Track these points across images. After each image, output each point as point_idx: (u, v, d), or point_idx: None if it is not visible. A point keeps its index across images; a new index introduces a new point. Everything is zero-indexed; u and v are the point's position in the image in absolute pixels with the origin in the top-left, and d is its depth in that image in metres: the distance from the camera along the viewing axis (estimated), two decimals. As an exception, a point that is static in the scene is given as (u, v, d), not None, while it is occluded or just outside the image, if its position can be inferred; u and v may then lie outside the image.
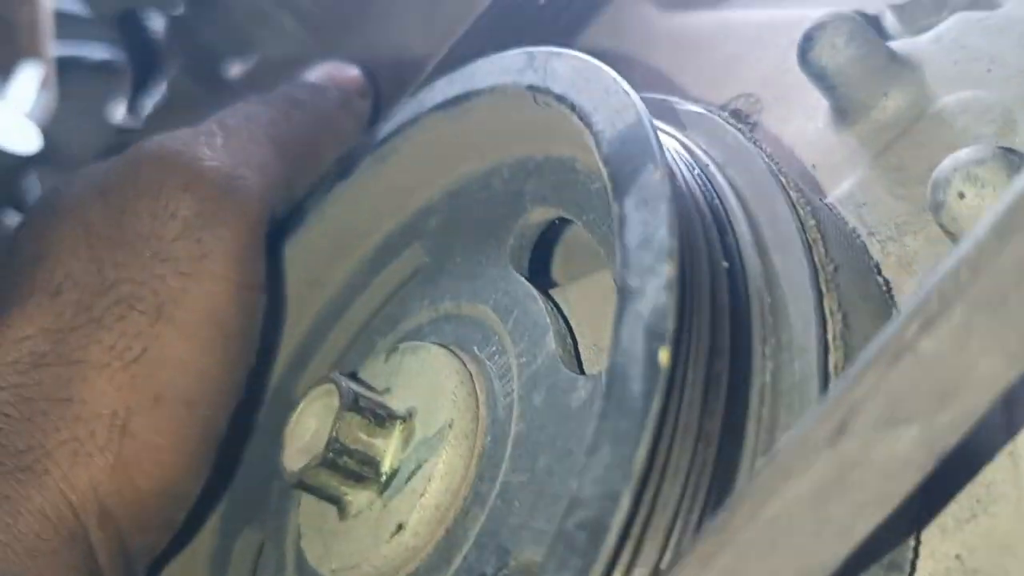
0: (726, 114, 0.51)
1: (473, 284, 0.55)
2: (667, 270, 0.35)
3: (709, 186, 0.44)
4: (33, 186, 1.57)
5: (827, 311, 0.40)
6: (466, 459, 0.48)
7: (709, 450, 0.36)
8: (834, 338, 0.39)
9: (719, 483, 0.36)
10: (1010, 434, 0.38)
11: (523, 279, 0.52)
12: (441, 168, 0.60)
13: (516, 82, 0.51)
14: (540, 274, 0.56)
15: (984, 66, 0.48)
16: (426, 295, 0.59)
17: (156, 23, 1.23)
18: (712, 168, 0.46)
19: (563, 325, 0.49)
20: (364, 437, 0.50)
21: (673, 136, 0.49)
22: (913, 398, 0.29)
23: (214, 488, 0.63)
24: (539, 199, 0.54)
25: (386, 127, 0.61)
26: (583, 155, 0.51)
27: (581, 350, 0.49)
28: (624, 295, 0.37)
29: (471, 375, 0.51)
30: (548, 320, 0.49)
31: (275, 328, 0.65)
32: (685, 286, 0.36)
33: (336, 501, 0.52)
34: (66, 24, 1.55)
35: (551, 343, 0.48)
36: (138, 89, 1.29)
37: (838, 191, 0.50)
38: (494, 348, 0.52)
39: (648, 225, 0.38)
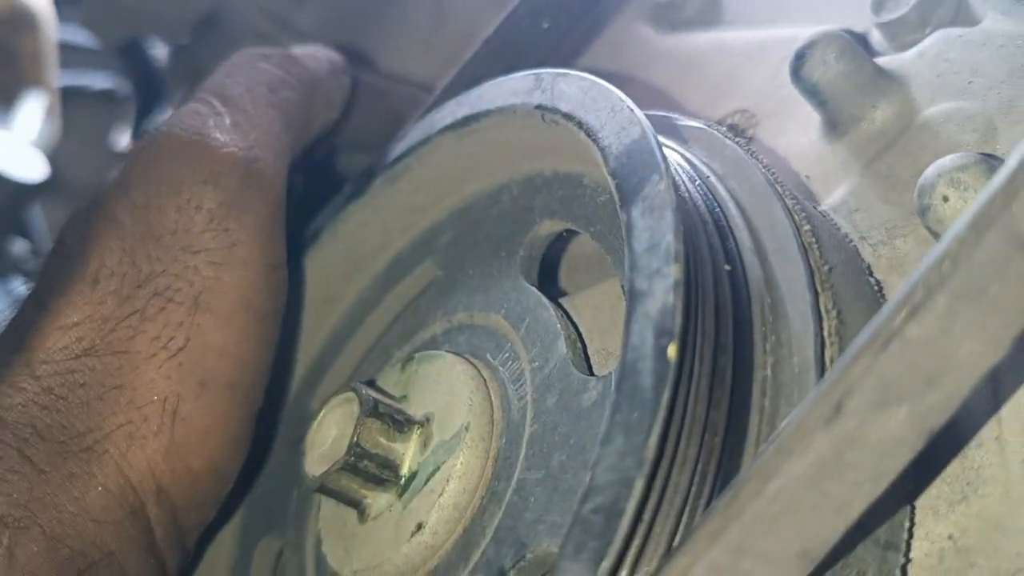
0: (724, 128, 0.53)
1: (485, 295, 0.58)
2: (673, 272, 0.38)
3: (710, 196, 0.47)
4: (38, 213, 1.60)
5: (823, 309, 0.42)
6: (482, 460, 0.50)
7: (715, 439, 0.38)
8: (830, 334, 0.42)
9: (725, 469, 0.38)
10: (997, 419, 0.41)
11: (534, 288, 0.55)
12: (452, 186, 0.63)
13: (525, 102, 0.53)
14: (549, 284, 0.58)
15: (965, 78, 0.50)
16: (439, 307, 0.61)
17: (159, 51, 1.26)
18: (713, 179, 0.49)
19: (573, 331, 0.52)
20: (384, 442, 0.53)
21: (675, 150, 0.51)
22: (902, 381, 0.31)
23: (234, 498, 0.65)
24: (548, 212, 0.56)
25: (398, 147, 0.64)
26: (590, 170, 0.54)
27: (590, 354, 0.52)
28: (633, 297, 0.39)
29: (485, 381, 0.53)
30: (559, 326, 0.51)
31: (292, 343, 0.67)
32: (690, 287, 0.39)
33: (356, 504, 0.54)
34: (70, 54, 1.58)
35: (562, 347, 0.50)
36: (142, 117, 1.32)
37: (831, 199, 0.53)
38: (507, 355, 0.54)
39: (654, 231, 0.40)
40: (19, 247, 1.53)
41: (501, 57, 0.68)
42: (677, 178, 0.45)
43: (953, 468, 0.42)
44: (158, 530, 0.55)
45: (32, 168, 1.49)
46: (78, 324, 0.54)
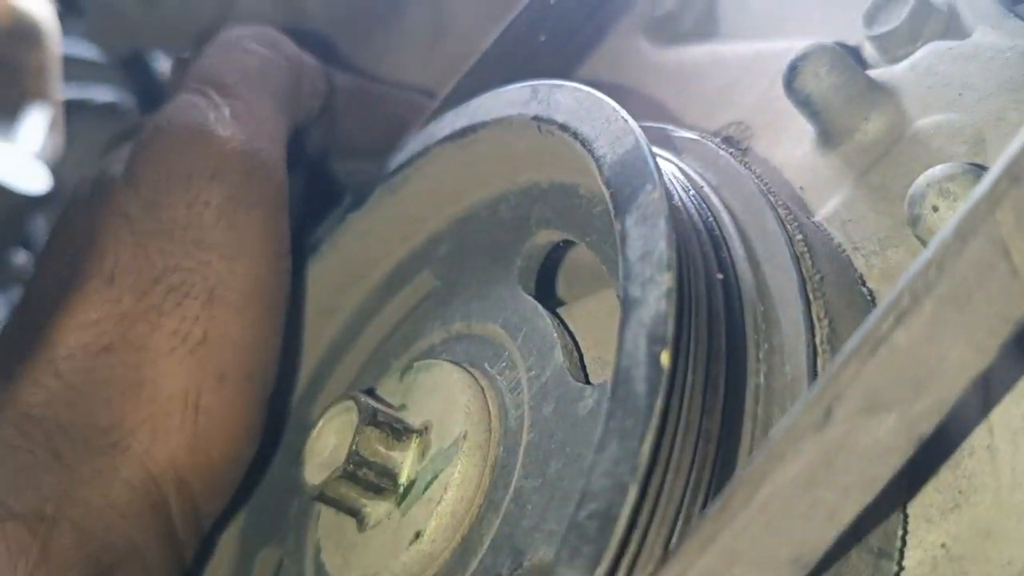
0: (718, 140, 0.54)
1: (483, 304, 0.58)
2: (666, 280, 0.38)
3: (704, 205, 0.48)
4: (40, 225, 1.61)
5: (815, 318, 0.43)
6: (480, 468, 0.51)
7: (709, 446, 0.39)
8: (822, 342, 0.42)
9: (719, 476, 0.39)
10: (988, 427, 0.41)
11: (530, 298, 0.55)
12: (450, 197, 0.64)
13: (521, 113, 0.54)
14: (546, 294, 0.59)
15: (955, 91, 0.51)
16: (438, 317, 0.62)
17: (162, 65, 1.27)
18: (706, 189, 0.49)
19: (569, 340, 0.52)
20: (383, 450, 0.53)
21: (669, 160, 0.52)
22: (891, 387, 0.32)
23: (234, 508, 0.65)
24: (544, 222, 0.57)
25: (397, 159, 0.65)
26: (585, 180, 0.54)
27: (586, 363, 0.52)
28: (627, 304, 0.40)
29: (483, 389, 0.54)
30: (555, 335, 0.52)
31: (292, 353, 0.68)
32: (683, 295, 0.39)
33: (355, 513, 0.55)
34: (73, 67, 1.59)
35: (559, 356, 0.51)
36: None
37: (825, 210, 0.53)
38: (504, 364, 0.54)
39: (648, 240, 0.41)
40: (21, 258, 1.53)
41: (499, 69, 0.68)
42: (670, 187, 0.45)
43: (945, 476, 0.42)
44: (178, 521, 0.56)
45: (35, 180, 1.50)
46: (97, 321, 0.55)
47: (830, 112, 0.54)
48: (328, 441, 0.55)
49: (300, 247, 0.66)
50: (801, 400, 0.33)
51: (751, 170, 0.51)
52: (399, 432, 0.53)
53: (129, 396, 0.54)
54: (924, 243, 0.45)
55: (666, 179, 0.44)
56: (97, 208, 0.59)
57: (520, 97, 0.55)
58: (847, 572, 0.39)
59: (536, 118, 0.53)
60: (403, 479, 0.53)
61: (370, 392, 0.57)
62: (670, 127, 0.56)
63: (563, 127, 0.51)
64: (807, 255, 0.45)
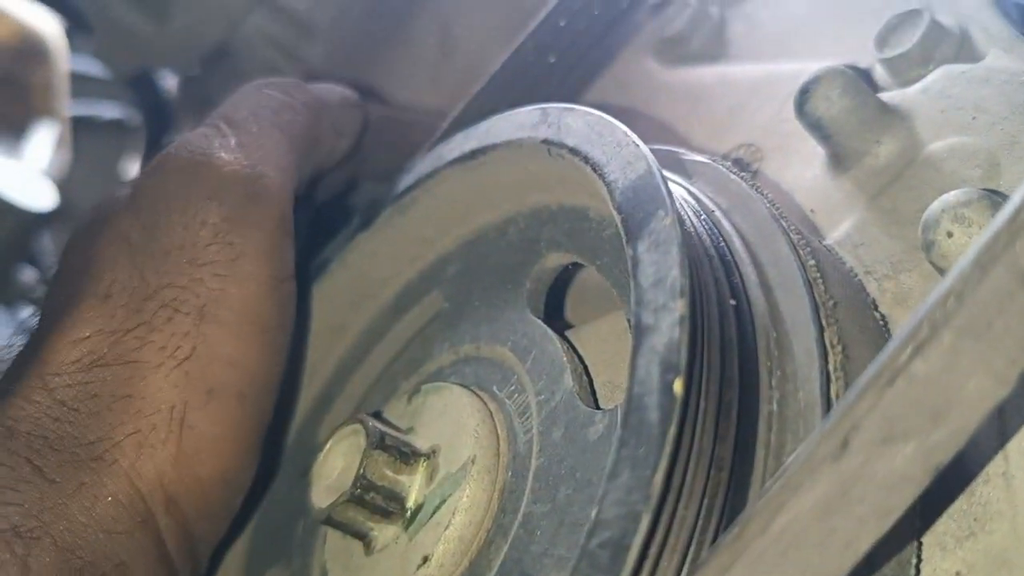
0: (729, 163, 0.54)
1: (492, 327, 0.58)
2: (679, 307, 0.38)
3: (716, 231, 0.47)
4: (47, 242, 1.61)
5: (828, 344, 0.42)
6: (489, 493, 0.50)
7: (722, 474, 0.38)
8: (835, 369, 0.42)
9: (731, 504, 0.38)
10: (1004, 455, 0.41)
11: (540, 321, 0.55)
12: (459, 218, 0.63)
13: (531, 136, 0.54)
14: (555, 316, 0.59)
15: (969, 114, 0.51)
16: (446, 339, 0.61)
17: (169, 83, 1.27)
18: (718, 214, 0.49)
19: (579, 364, 0.52)
20: (390, 474, 0.53)
21: (681, 185, 0.52)
22: (908, 417, 0.31)
23: (240, 528, 0.65)
24: (554, 245, 0.57)
25: (406, 179, 0.65)
26: (595, 204, 0.54)
27: (596, 387, 0.52)
28: (639, 331, 0.39)
29: (492, 413, 0.54)
30: (565, 359, 0.51)
31: (299, 372, 0.68)
32: (696, 322, 0.39)
33: (362, 536, 0.54)
34: (80, 84, 1.60)
35: (568, 381, 0.50)
36: (151, 147, 1.33)
37: (836, 233, 0.53)
38: (513, 387, 0.54)
39: (660, 266, 0.40)
40: (28, 275, 1.54)
41: (509, 91, 0.68)
42: (682, 213, 0.45)
43: (960, 504, 0.42)
44: (169, 540, 0.55)
45: (42, 197, 1.50)
46: (89, 337, 0.55)
47: (841, 135, 0.54)
48: (335, 464, 0.55)
49: (305, 273, 0.66)
50: (818, 430, 0.32)
51: (762, 194, 0.50)
52: (407, 456, 0.53)
53: (116, 410, 0.54)
54: (938, 268, 0.45)
55: (678, 204, 0.44)
56: (100, 232, 0.59)
57: (530, 120, 0.55)
58: (862, 602, 0.39)
59: (546, 141, 0.53)
60: (411, 503, 0.53)
61: (378, 415, 0.57)
62: (680, 150, 0.56)
63: (573, 151, 0.51)
64: (820, 280, 0.45)
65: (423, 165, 0.63)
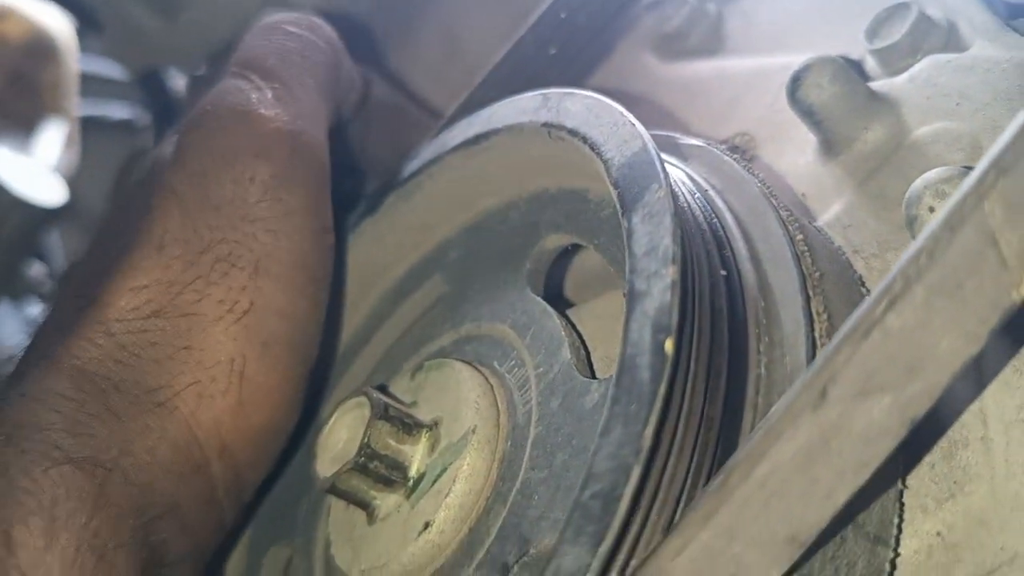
0: (724, 147, 0.55)
1: (492, 306, 0.60)
2: (671, 272, 0.40)
3: (708, 207, 0.49)
4: (55, 238, 1.63)
5: (814, 312, 0.44)
6: (488, 461, 0.52)
7: (711, 432, 0.40)
8: (821, 335, 0.44)
9: (720, 461, 0.40)
10: (983, 419, 0.42)
11: (539, 299, 0.57)
12: (462, 203, 0.65)
13: (532, 120, 0.56)
14: (555, 296, 0.60)
15: (953, 101, 0.53)
16: (448, 319, 0.63)
17: (178, 83, 1.29)
18: (711, 192, 0.51)
19: (576, 338, 0.53)
20: (393, 443, 0.54)
21: (676, 165, 0.54)
22: (884, 370, 0.33)
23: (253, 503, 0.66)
24: (553, 227, 0.59)
25: (410, 166, 0.66)
26: (594, 185, 0.56)
27: (593, 361, 0.53)
28: (632, 297, 0.41)
29: (492, 387, 0.55)
30: (563, 333, 0.53)
31: (338, 320, 0.69)
32: (687, 288, 0.41)
33: (365, 506, 0.56)
34: (90, 84, 1.62)
35: (566, 353, 0.52)
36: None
37: (826, 215, 0.55)
38: (513, 362, 0.56)
39: (653, 236, 0.42)
40: (36, 270, 1.55)
41: (510, 81, 0.70)
42: (676, 189, 0.47)
43: (941, 467, 0.43)
44: (220, 485, 0.57)
45: (51, 193, 1.52)
46: (147, 287, 0.57)
47: (832, 121, 0.56)
48: (340, 435, 0.56)
49: (341, 226, 0.67)
50: (798, 381, 0.34)
51: (754, 174, 0.52)
52: (409, 426, 0.55)
53: (177, 360, 0.56)
54: (921, 244, 0.46)
55: (672, 181, 0.46)
56: (148, 186, 0.61)
57: (531, 105, 0.57)
58: (844, 556, 0.40)
59: (546, 124, 0.55)
60: (413, 472, 0.54)
61: (382, 388, 0.58)
62: (677, 135, 0.58)
63: (572, 132, 0.52)
64: (807, 254, 0.46)
65: (427, 151, 0.65)
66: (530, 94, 0.58)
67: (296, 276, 0.59)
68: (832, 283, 0.46)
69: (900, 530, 0.43)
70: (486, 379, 0.56)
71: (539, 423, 0.51)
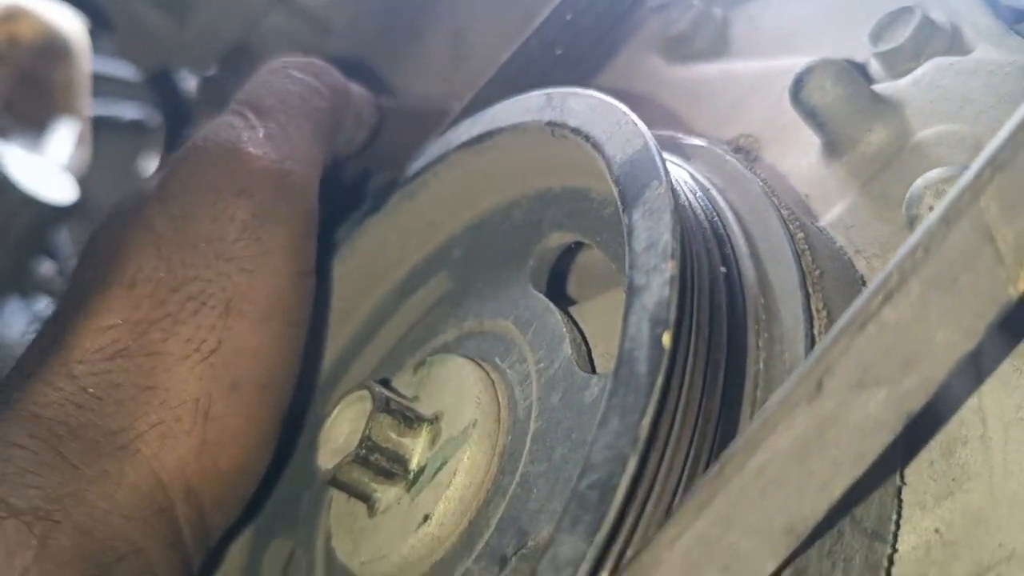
0: (725, 146, 0.56)
1: (495, 303, 0.60)
2: (670, 267, 0.40)
3: (709, 205, 0.49)
4: (65, 236, 1.64)
5: (814, 309, 0.44)
6: (488, 455, 0.52)
7: (708, 424, 0.40)
8: (820, 332, 0.44)
9: (718, 454, 0.40)
10: (982, 417, 0.43)
11: (541, 296, 0.57)
12: (466, 202, 0.66)
13: (536, 119, 0.56)
14: (557, 294, 0.61)
15: (957, 104, 0.53)
16: (451, 316, 0.63)
17: (189, 83, 1.30)
18: (713, 191, 0.51)
19: (578, 334, 0.54)
20: (394, 436, 0.55)
21: (678, 164, 0.54)
22: (880, 363, 0.33)
23: (246, 513, 0.66)
24: (556, 225, 0.59)
25: (415, 165, 0.67)
26: (596, 183, 0.56)
27: (594, 358, 0.54)
28: (632, 292, 0.42)
29: (493, 382, 0.56)
30: (564, 329, 0.53)
31: (316, 362, 0.69)
32: (686, 283, 0.41)
33: (366, 498, 0.56)
34: (102, 84, 1.63)
35: (567, 349, 0.52)
36: (170, 146, 1.36)
37: (829, 216, 0.55)
38: (515, 358, 0.56)
39: (653, 232, 0.43)
40: (46, 267, 1.56)
41: (516, 82, 0.71)
42: (677, 187, 0.47)
43: (940, 465, 0.44)
44: (185, 528, 0.57)
45: (62, 191, 1.53)
46: (113, 326, 0.56)
47: (835, 123, 0.56)
48: (342, 428, 0.57)
49: (324, 266, 0.67)
50: (795, 373, 0.34)
51: (756, 174, 0.53)
52: (411, 420, 0.55)
53: (140, 400, 0.55)
54: (921, 243, 0.47)
55: (673, 179, 0.46)
56: (127, 221, 0.60)
57: (536, 104, 0.57)
58: (841, 552, 0.41)
59: (550, 123, 0.55)
60: (414, 465, 0.54)
61: (384, 382, 0.59)
62: (680, 135, 0.58)
63: (575, 131, 0.53)
64: (807, 252, 0.47)
65: (432, 150, 0.65)
66: (534, 93, 0.58)
67: (271, 317, 0.58)
68: (832, 281, 0.46)
69: (898, 526, 0.43)
70: (488, 374, 0.56)
71: (539, 417, 0.52)
